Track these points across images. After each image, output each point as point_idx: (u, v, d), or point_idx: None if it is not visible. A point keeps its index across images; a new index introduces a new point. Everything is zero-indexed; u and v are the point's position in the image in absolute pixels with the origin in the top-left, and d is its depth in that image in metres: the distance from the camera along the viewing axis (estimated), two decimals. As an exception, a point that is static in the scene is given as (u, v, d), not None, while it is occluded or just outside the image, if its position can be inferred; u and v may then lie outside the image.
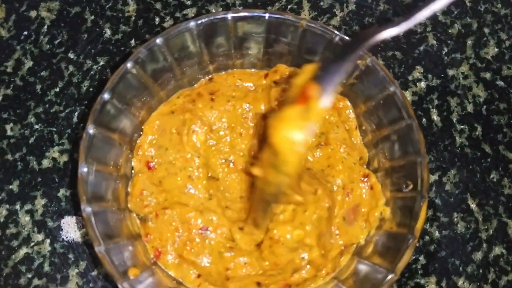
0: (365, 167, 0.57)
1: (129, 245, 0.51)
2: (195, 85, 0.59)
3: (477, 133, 0.63)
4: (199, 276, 0.53)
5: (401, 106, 0.51)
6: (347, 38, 0.53)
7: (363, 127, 0.57)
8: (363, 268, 0.51)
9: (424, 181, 0.49)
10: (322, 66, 0.40)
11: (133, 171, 0.56)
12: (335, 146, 0.56)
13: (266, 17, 0.54)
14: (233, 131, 0.57)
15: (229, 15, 0.53)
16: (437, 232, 0.60)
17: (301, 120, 0.36)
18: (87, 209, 0.48)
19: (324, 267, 0.52)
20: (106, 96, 0.51)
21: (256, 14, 0.54)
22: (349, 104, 0.57)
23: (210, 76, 0.59)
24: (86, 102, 0.63)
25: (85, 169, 0.49)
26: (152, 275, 0.50)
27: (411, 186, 0.50)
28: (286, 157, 0.38)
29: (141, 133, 0.57)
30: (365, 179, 0.55)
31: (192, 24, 0.53)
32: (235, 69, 0.59)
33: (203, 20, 0.53)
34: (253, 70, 0.60)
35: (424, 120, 0.64)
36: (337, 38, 0.53)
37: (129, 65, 0.52)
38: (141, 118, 0.56)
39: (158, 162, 0.56)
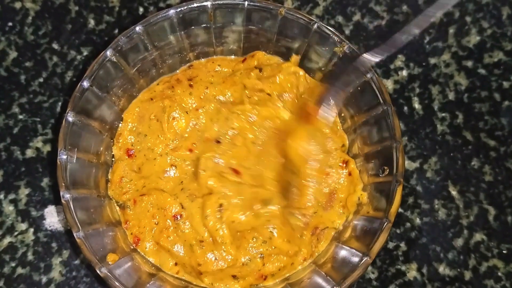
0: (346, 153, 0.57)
1: (109, 231, 0.51)
2: (176, 71, 0.59)
3: (458, 121, 0.63)
4: (176, 264, 0.53)
5: (378, 92, 0.51)
6: (326, 26, 0.53)
7: (342, 114, 0.57)
8: (340, 252, 0.51)
9: (399, 165, 0.49)
10: (322, 90, 0.53)
11: (113, 159, 0.56)
12: None
13: (245, 5, 0.54)
14: (211, 120, 0.57)
15: (209, 3, 0.53)
16: (418, 219, 0.60)
17: (307, 139, 0.52)
18: (66, 195, 0.48)
19: (296, 252, 0.52)
20: (85, 83, 0.51)
21: (235, 1, 0.54)
22: (328, 91, 0.57)
23: (190, 63, 0.59)
24: (69, 92, 0.63)
25: (64, 156, 0.49)
26: (131, 260, 0.50)
27: (387, 171, 0.50)
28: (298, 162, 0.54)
29: (121, 121, 0.57)
30: (344, 165, 0.55)
31: (171, 12, 0.53)
32: (215, 56, 0.59)
33: (182, 8, 0.53)
34: (232, 57, 0.60)
35: (405, 108, 0.64)
36: (315, 26, 0.53)
37: (108, 52, 0.52)
38: (122, 106, 0.56)
39: (137, 149, 0.56)
